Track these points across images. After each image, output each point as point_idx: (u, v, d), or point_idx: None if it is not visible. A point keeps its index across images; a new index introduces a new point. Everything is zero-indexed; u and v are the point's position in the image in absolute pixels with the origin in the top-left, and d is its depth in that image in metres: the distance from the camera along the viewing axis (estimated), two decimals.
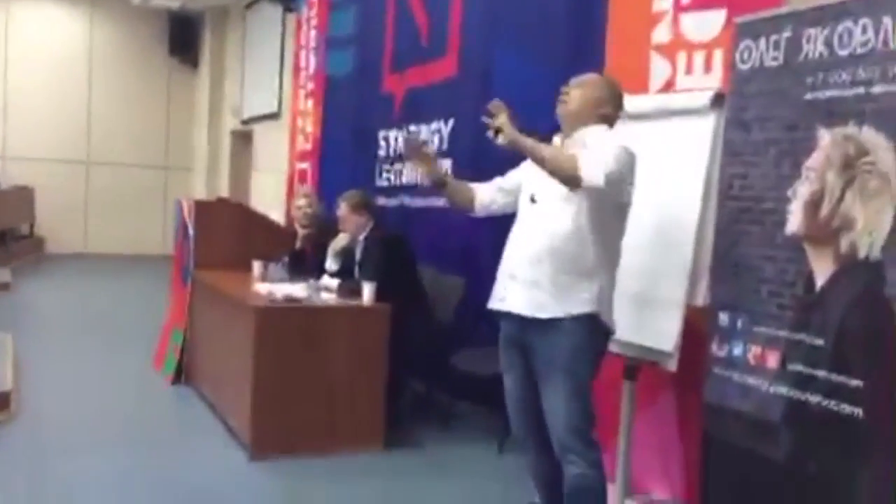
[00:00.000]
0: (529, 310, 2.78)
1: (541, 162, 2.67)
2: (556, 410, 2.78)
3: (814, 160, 2.55)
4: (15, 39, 13.37)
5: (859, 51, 2.44)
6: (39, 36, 13.55)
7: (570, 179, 2.62)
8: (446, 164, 5.73)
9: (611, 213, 2.76)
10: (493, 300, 2.94)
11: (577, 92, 2.89)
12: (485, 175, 5.15)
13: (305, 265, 5.24)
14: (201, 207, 5.68)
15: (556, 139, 2.94)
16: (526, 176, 2.98)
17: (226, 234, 5.55)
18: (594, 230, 2.72)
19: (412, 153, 3.10)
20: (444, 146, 5.78)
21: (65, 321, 7.86)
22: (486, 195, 3.12)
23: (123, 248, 13.68)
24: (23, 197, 12.89)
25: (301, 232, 5.46)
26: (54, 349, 6.37)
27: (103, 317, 8.16)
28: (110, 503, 3.48)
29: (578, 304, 2.72)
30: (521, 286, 2.80)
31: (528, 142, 2.68)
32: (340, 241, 4.88)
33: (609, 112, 2.91)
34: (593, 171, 2.58)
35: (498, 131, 2.70)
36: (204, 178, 13.98)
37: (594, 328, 2.75)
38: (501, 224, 4.89)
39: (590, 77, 2.96)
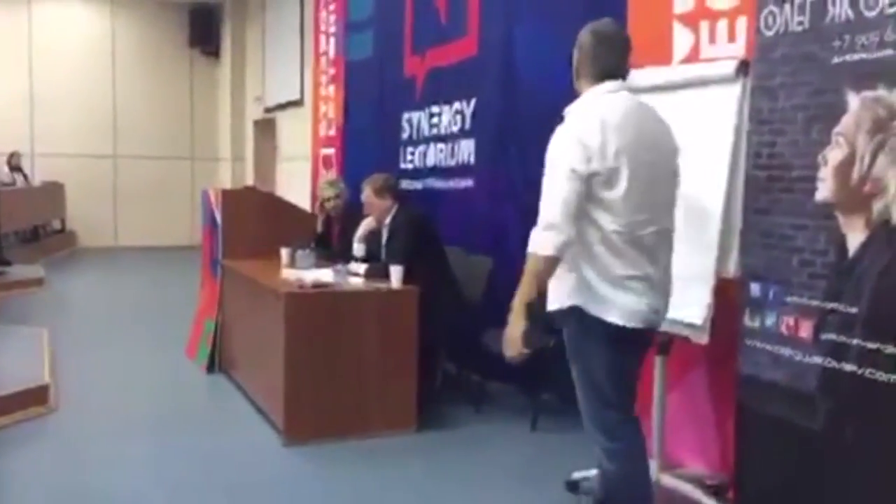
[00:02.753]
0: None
1: (533, 286, 2.56)
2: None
3: (843, 125, 2.51)
4: (38, 38, 13.53)
5: (888, 11, 2.38)
6: (61, 33, 13.70)
7: (552, 264, 2.53)
8: (469, 145, 5.71)
9: (589, 211, 2.56)
10: None
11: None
12: (508, 154, 5.16)
13: (331, 250, 5.27)
14: (228, 196, 5.70)
15: None
16: None
17: (253, 222, 5.57)
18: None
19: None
20: (467, 126, 5.76)
21: (98, 314, 7.98)
22: None
23: (153, 239, 13.85)
24: (54, 192, 13.06)
25: (320, 216, 5.51)
26: (89, 342, 6.46)
27: (136, 308, 8.28)
28: (148, 489, 3.53)
29: (562, 297, 2.66)
30: None
31: (519, 298, 2.57)
32: (365, 226, 4.89)
33: (590, 69, 2.69)
34: (540, 247, 2.51)
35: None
36: (230, 168, 14.08)
37: (580, 319, 2.63)
38: (527, 202, 4.88)
39: (577, 43, 2.76)
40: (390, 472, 3.80)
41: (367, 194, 4.77)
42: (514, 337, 2.58)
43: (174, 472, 3.74)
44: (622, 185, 2.53)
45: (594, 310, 2.60)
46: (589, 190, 2.53)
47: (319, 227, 5.53)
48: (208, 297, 5.83)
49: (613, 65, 2.67)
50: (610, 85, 2.66)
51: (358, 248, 4.90)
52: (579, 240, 2.57)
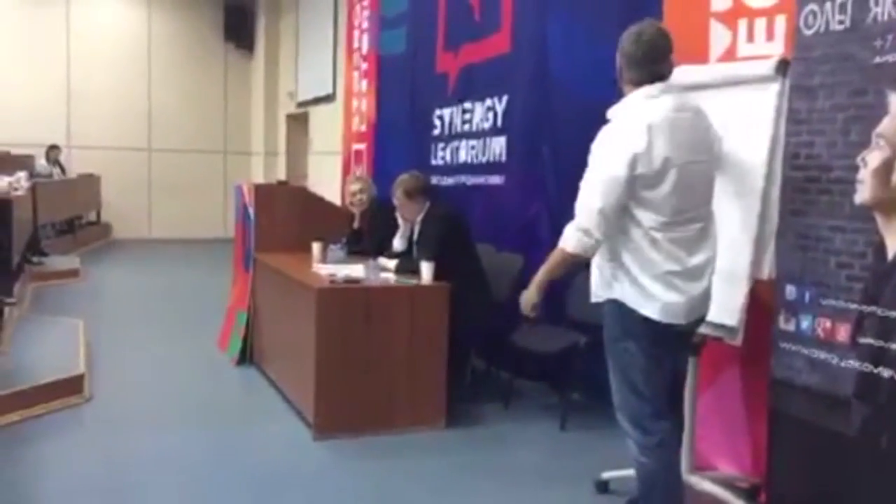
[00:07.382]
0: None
1: (555, 271, 2.81)
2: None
3: (884, 126, 2.47)
4: (76, 32, 13.70)
5: None
6: (99, 27, 13.88)
7: (573, 261, 2.72)
8: (501, 142, 5.70)
9: (631, 208, 2.62)
10: None
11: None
12: (539, 151, 5.14)
13: (362, 245, 5.28)
14: (261, 191, 5.74)
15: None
16: None
17: (285, 216, 5.61)
18: (615, 229, 2.65)
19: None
20: (499, 123, 5.75)
21: (132, 305, 8.08)
22: None
23: (186, 232, 13.98)
24: (90, 184, 13.22)
25: (357, 212, 5.51)
26: (123, 333, 6.55)
27: (169, 300, 8.37)
28: (178, 481, 3.56)
29: (604, 290, 2.76)
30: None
31: (540, 275, 2.85)
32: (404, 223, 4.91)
33: (633, 76, 2.68)
34: (569, 244, 2.67)
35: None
36: (262, 162, 14.19)
37: (619, 312, 2.69)
38: (558, 200, 4.86)
39: (619, 46, 2.75)
40: (418, 467, 3.80)
41: (398, 197, 4.74)
42: (528, 304, 2.89)
43: (203, 463, 3.78)
44: (665, 186, 2.57)
45: (633, 304, 2.65)
46: (632, 189, 2.57)
47: (357, 223, 5.54)
48: (240, 290, 5.88)
49: (657, 68, 2.66)
50: (653, 88, 2.65)
51: (399, 243, 4.90)
52: (622, 236, 2.64)
